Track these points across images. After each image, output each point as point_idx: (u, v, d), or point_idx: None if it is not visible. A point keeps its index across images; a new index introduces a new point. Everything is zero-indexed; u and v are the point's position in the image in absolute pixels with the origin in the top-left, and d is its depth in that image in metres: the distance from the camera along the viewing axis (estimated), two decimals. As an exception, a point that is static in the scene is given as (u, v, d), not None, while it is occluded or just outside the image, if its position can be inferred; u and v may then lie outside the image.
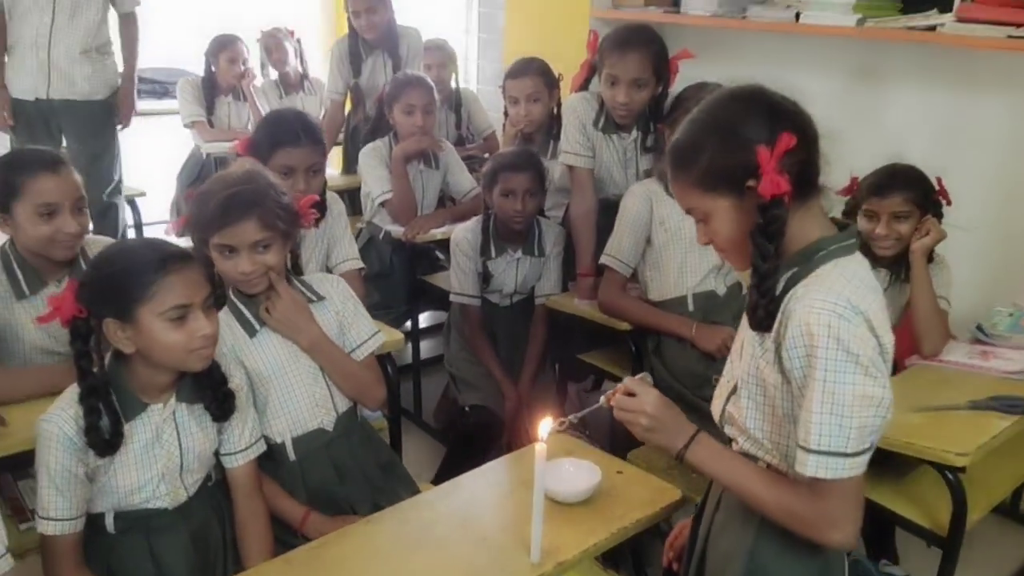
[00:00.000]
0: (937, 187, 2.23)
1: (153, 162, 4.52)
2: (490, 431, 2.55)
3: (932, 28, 2.77)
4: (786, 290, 1.18)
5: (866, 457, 1.15)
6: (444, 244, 3.00)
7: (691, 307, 2.31)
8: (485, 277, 2.68)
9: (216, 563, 1.65)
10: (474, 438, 2.57)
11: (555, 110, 3.03)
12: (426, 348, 3.60)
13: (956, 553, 1.80)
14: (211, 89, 4.26)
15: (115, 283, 1.46)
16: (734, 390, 1.30)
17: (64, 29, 3.42)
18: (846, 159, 2.30)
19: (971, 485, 1.82)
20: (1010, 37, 2.57)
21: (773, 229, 1.16)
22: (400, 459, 2.19)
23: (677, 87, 2.44)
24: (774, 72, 1.28)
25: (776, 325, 1.18)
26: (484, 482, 1.61)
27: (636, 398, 1.31)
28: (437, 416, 3.24)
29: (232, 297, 1.78)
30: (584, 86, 2.65)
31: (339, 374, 1.84)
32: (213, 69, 4.24)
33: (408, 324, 3.31)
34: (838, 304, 1.12)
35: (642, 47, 2.39)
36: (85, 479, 1.49)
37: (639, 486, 1.59)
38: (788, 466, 1.22)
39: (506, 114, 3.14)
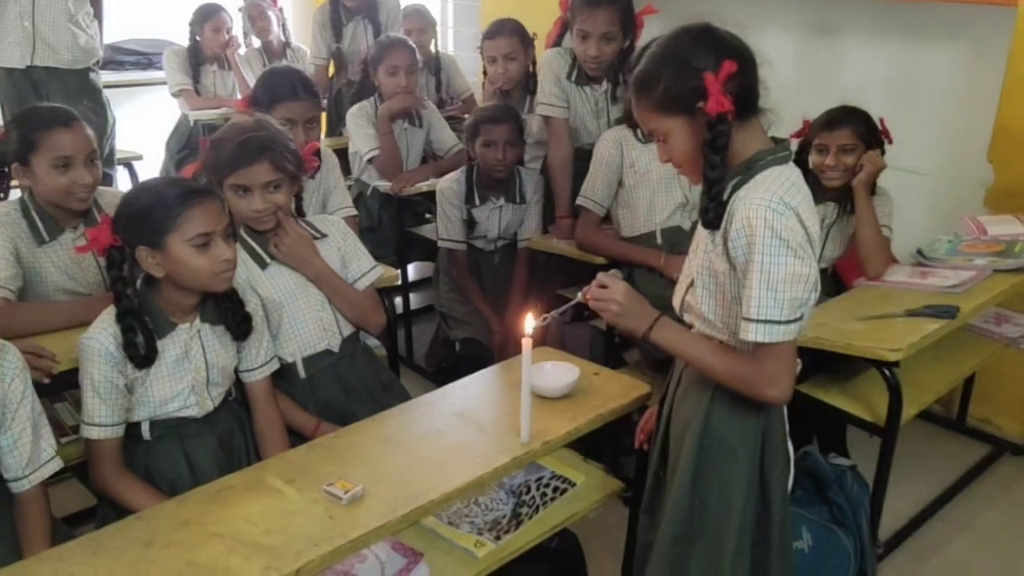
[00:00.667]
0: (880, 127, 2.45)
1: (142, 131, 4.65)
2: (479, 362, 2.75)
3: (880, -18, 2.98)
4: (731, 194, 1.41)
5: (797, 326, 1.38)
6: (429, 197, 3.20)
7: (659, 241, 2.53)
8: (470, 224, 2.88)
9: (240, 465, 1.85)
10: (465, 369, 2.78)
11: (531, 67, 3.21)
12: (416, 299, 3.81)
13: (893, 441, 2.04)
14: (196, 58, 4.38)
15: (146, 215, 1.65)
16: (691, 284, 1.52)
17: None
18: (804, 109, 2.52)
19: (910, 385, 2.07)
20: (952, -11, 2.79)
21: (719, 142, 1.38)
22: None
23: (641, 41, 2.64)
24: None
25: (723, 223, 1.41)
26: (478, 385, 1.83)
27: (608, 289, 1.53)
28: (428, 359, 3.44)
29: (243, 234, 1.97)
30: (557, 42, 2.84)
31: (343, 302, 2.05)
32: (198, 39, 4.36)
33: (398, 276, 3.51)
34: (772, 201, 1.34)
35: (610, 3, 2.59)
36: (124, 390, 1.69)
37: (613, 383, 1.81)
38: (736, 341, 1.45)
39: (485, 73, 3.32)
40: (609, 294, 1.52)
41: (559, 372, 1.77)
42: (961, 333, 2.46)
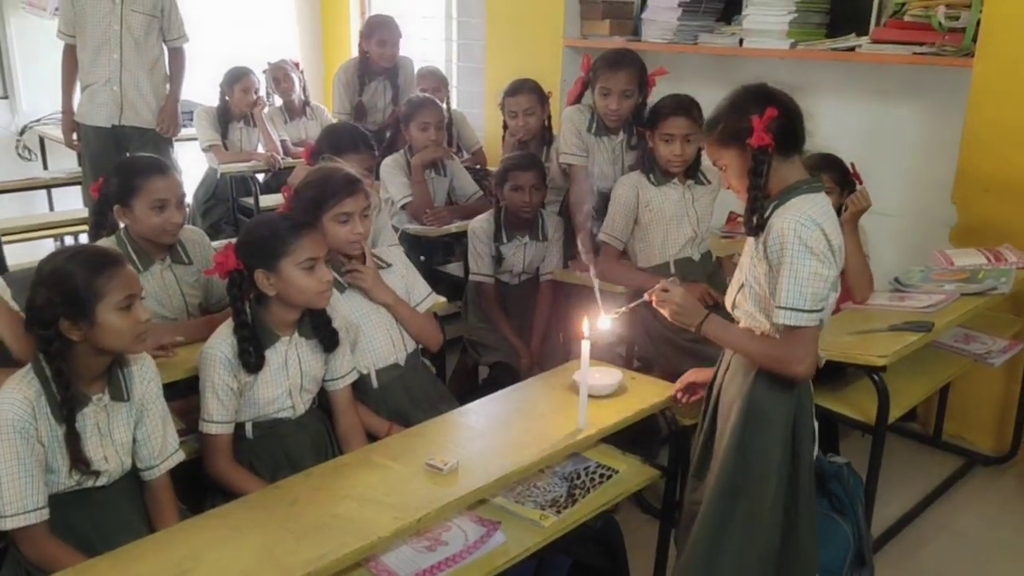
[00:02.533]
0: (852, 171, 2.84)
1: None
2: (507, 384, 3.07)
3: (852, 48, 3.43)
4: (772, 212, 1.81)
5: (817, 316, 1.76)
6: (454, 237, 3.54)
7: (672, 271, 2.89)
8: (498, 260, 3.22)
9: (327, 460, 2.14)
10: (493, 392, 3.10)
11: (546, 122, 3.60)
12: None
13: (883, 437, 2.38)
14: (225, 116, 4.74)
15: (264, 242, 1.97)
16: (741, 286, 1.90)
17: (131, 64, 3.98)
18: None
19: (894, 392, 2.41)
20: (915, 54, 3.23)
21: (760, 169, 1.78)
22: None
23: (652, 98, 3.04)
24: (722, 90, 1.89)
25: (764, 234, 1.80)
26: (531, 389, 2.15)
27: (668, 292, 1.93)
28: (452, 387, 3.74)
29: None
30: (578, 99, 3.23)
31: (410, 324, 2.39)
32: (227, 98, 4.73)
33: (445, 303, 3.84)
34: (802, 218, 1.74)
35: (629, 65, 3.00)
36: (236, 392, 1.99)
37: (649, 385, 2.15)
38: (773, 331, 1.82)
39: (505, 126, 3.70)
40: (670, 296, 1.93)
41: (604, 375, 2.09)
42: (934, 351, 2.83)
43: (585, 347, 1.87)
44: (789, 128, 1.80)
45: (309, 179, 2.31)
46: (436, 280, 3.78)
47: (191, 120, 4.81)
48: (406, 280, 2.43)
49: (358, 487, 1.65)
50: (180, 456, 1.91)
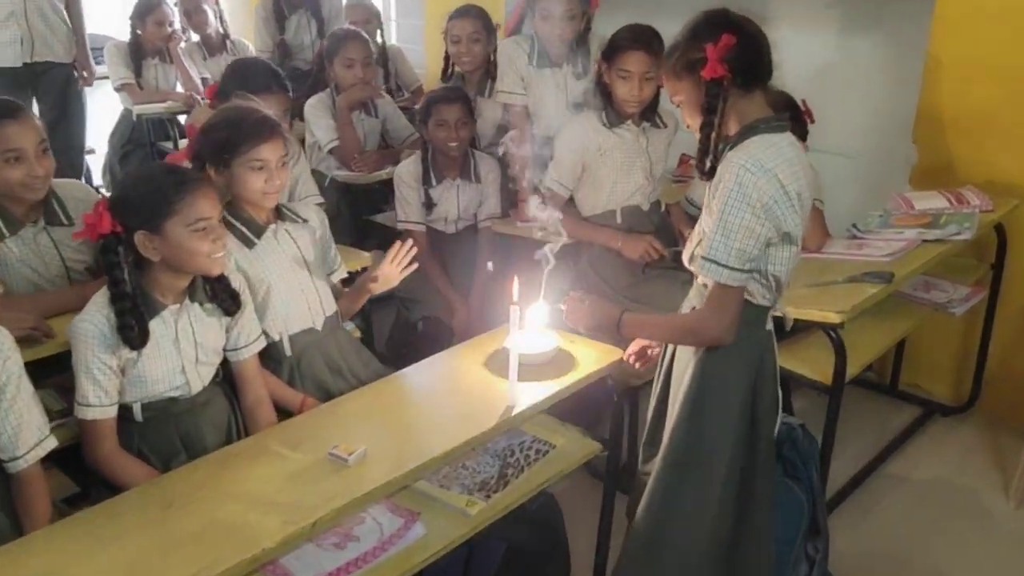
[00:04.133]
0: (803, 108, 2.62)
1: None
2: (440, 341, 2.85)
3: (811, -25, 3.18)
4: (725, 154, 1.60)
5: (740, 275, 1.57)
6: (387, 185, 3.26)
7: (619, 219, 2.66)
8: (428, 205, 2.96)
9: (231, 442, 1.90)
10: (425, 348, 2.87)
11: (492, 55, 3.29)
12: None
13: (839, 397, 2.22)
14: (137, 52, 4.36)
15: (145, 200, 1.70)
16: (700, 240, 1.68)
17: None
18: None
19: (851, 347, 2.24)
20: (876, -19, 3.00)
21: (712, 104, 1.58)
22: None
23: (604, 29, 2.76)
24: (680, 20, 1.67)
25: (716, 180, 1.61)
26: (458, 357, 1.92)
27: (580, 302, 1.81)
28: (388, 346, 3.52)
29: (227, 216, 2.01)
30: (517, 29, 2.95)
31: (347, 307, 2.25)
32: (139, 32, 4.34)
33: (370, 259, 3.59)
34: (748, 162, 1.54)
35: None
36: (117, 370, 1.74)
37: (589, 348, 1.93)
38: None
39: (447, 58, 3.39)
40: (580, 308, 1.81)
41: (539, 340, 1.88)
42: (893, 300, 2.67)
43: (515, 313, 1.65)
44: (749, 59, 1.59)
45: (219, 117, 2.03)
46: (367, 231, 3.53)
47: (102, 57, 4.43)
48: (322, 241, 2.17)
49: (248, 483, 1.43)
50: (51, 443, 1.66)
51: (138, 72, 4.38)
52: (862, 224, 2.74)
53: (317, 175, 3.47)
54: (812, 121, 2.62)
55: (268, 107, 2.41)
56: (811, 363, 2.31)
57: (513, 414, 1.66)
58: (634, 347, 1.97)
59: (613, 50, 2.49)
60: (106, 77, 4.42)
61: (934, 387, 3.27)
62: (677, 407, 1.71)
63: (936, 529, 2.56)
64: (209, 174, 1.94)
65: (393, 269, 2.15)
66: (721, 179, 1.57)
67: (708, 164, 1.62)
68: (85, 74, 3.95)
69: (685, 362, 1.72)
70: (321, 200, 2.73)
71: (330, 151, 3.38)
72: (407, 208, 2.99)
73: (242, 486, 1.42)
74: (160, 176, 1.75)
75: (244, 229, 2.01)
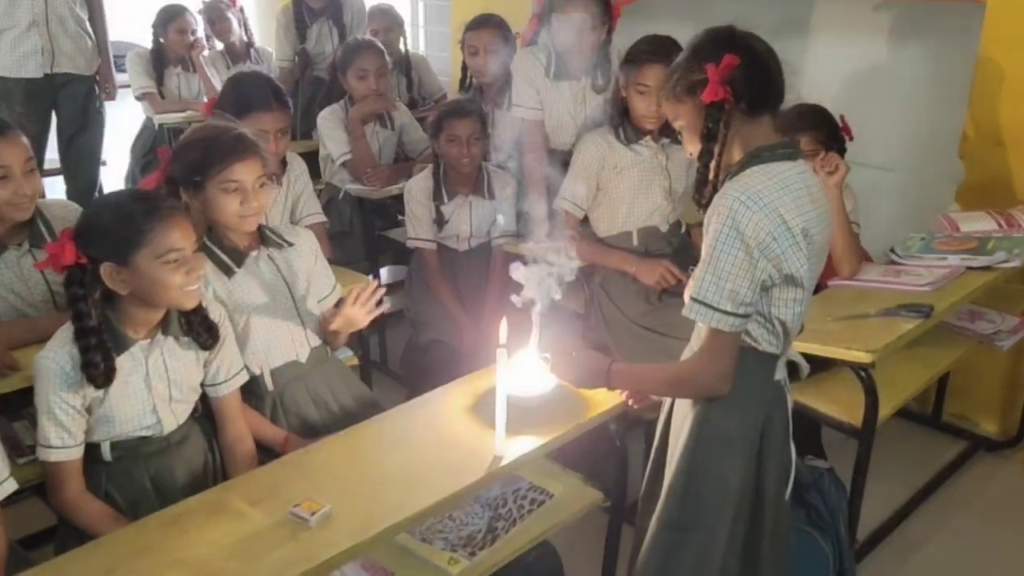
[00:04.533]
0: (841, 124, 2.44)
1: (106, 135, 4.56)
2: (449, 366, 2.72)
3: (850, -20, 2.98)
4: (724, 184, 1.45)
5: (734, 320, 1.41)
6: (401, 199, 3.14)
7: (635, 241, 2.50)
8: (440, 222, 2.83)
9: (207, 484, 1.79)
10: (433, 373, 2.74)
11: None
12: (389, 304, 3.73)
13: (870, 442, 2.03)
14: (160, 61, 4.31)
15: (112, 230, 1.59)
16: None
17: (55, 2, 3.51)
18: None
19: (885, 385, 2.05)
20: (921, -13, 2.80)
21: (712, 129, 1.43)
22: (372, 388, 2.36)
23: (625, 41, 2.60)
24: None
25: (708, 212, 1.46)
26: (451, 395, 1.78)
27: (561, 361, 1.66)
28: (403, 365, 3.40)
29: (207, 242, 1.91)
30: (533, 40, 2.80)
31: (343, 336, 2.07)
32: (161, 40, 4.29)
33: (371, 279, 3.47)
34: (743, 195, 1.38)
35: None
36: (82, 410, 1.63)
37: (590, 391, 1.77)
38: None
39: (464, 69, 3.26)
40: (568, 363, 1.66)
41: (533, 380, 1.73)
42: (935, 330, 2.46)
43: (502, 357, 1.50)
44: (755, 80, 1.44)
45: (192, 137, 1.92)
46: (381, 246, 3.42)
47: (124, 64, 4.38)
48: (309, 267, 2.04)
49: (198, 545, 1.31)
50: (10, 486, 1.54)
51: (160, 81, 4.32)
52: (901, 248, 2.53)
53: (331, 188, 3.39)
54: (851, 138, 2.44)
55: (267, 125, 2.33)
56: (840, 403, 2.12)
57: (500, 466, 1.51)
58: None
59: (631, 63, 2.33)
60: (128, 86, 4.38)
61: (980, 420, 3.04)
62: (674, 463, 1.55)
63: (979, 581, 2.36)
64: (184, 199, 1.84)
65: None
66: (715, 212, 1.41)
67: (707, 195, 1.47)
68: (107, 88, 3.90)
69: (684, 414, 1.56)
70: (323, 219, 2.62)
71: (342, 164, 3.27)
72: (417, 225, 2.86)
73: (190, 550, 1.29)
74: (128, 203, 1.64)
75: (224, 256, 1.90)
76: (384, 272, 3.78)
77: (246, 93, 2.37)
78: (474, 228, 2.89)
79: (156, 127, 4.24)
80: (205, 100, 4.32)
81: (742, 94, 1.41)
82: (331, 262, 2.65)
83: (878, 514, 2.53)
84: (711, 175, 1.47)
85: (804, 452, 2.28)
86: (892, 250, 2.53)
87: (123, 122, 4.64)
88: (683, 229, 2.62)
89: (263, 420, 1.93)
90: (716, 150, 1.44)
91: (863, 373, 1.95)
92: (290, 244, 2.01)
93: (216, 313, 1.80)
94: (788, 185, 1.42)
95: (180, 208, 1.68)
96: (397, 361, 3.42)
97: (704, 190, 1.48)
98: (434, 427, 1.64)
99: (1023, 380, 2.88)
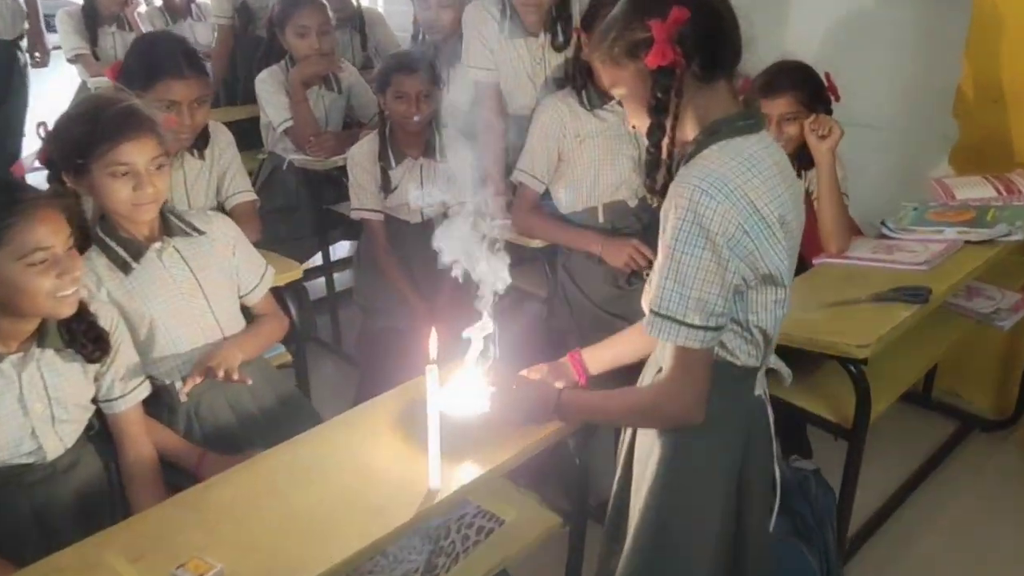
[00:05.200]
0: (826, 83, 2.19)
1: (39, 102, 4.22)
2: (404, 355, 2.48)
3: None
4: (679, 167, 1.20)
5: (704, 334, 1.17)
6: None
7: (601, 218, 2.25)
8: (387, 188, 2.56)
9: (104, 517, 1.55)
10: (387, 364, 2.50)
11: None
12: (344, 280, 3.49)
13: (861, 444, 1.82)
14: (93, 19, 3.96)
15: None
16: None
17: None
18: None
19: (876, 377, 1.83)
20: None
21: (662, 100, 1.18)
22: (308, 393, 2.12)
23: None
24: None
25: (664, 204, 1.21)
26: (383, 410, 1.54)
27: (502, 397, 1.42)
28: (359, 347, 3.15)
29: (100, 234, 1.65)
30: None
31: (260, 350, 1.83)
32: (93, -3, 3.94)
33: (319, 257, 3.22)
34: (704, 181, 1.14)
35: None
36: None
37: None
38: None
39: (415, 22, 2.97)
40: (510, 398, 1.43)
41: (474, 394, 1.49)
42: (930, 310, 2.25)
43: (431, 375, 1.26)
44: (709, 38, 1.19)
45: (73, 112, 1.65)
46: (329, 222, 3.15)
47: (55, 25, 4.03)
48: (229, 262, 1.78)
49: (59, 622, 1.07)
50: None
51: (94, 41, 3.98)
52: (893, 219, 2.30)
53: (273, 158, 3.11)
54: (837, 99, 2.19)
55: (179, 95, 2.05)
56: (827, 399, 1.91)
57: (435, 503, 1.28)
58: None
59: (591, 18, 2.06)
60: (59, 47, 4.04)
61: (973, 397, 2.85)
62: (641, 500, 1.32)
63: (977, 574, 2.17)
64: (67, 184, 1.57)
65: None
66: (671, 204, 1.17)
67: (660, 181, 1.23)
68: (37, 54, 3.55)
69: (649, 444, 1.33)
70: (253, 198, 2.34)
71: (284, 132, 2.98)
72: (362, 194, 2.58)
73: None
74: None
75: (119, 250, 1.64)
76: (340, 249, 3.53)
77: (154, 58, 2.07)
78: (425, 195, 2.62)
79: (93, 91, 3.92)
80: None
81: (693, 55, 1.17)
82: (277, 240, 2.40)
83: (867, 505, 2.32)
84: (663, 155, 1.22)
85: (787, 448, 2.08)
86: (883, 223, 2.30)
87: (61, 87, 4.29)
88: (654, 204, 2.36)
89: (174, 436, 1.69)
90: (668, 124, 1.19)
91: (854, 369, 1.73)
92: (200, 232, 1.75)
93: (107, 319, 1.55)
94: (755, 164, 1.18)
95: (48, 198, 1.41)
96: (351, 342, 3.18)
97: (656, 175, 1.23)
98: (357, 453, 1.40)
99: (1020, 355, 2.69)
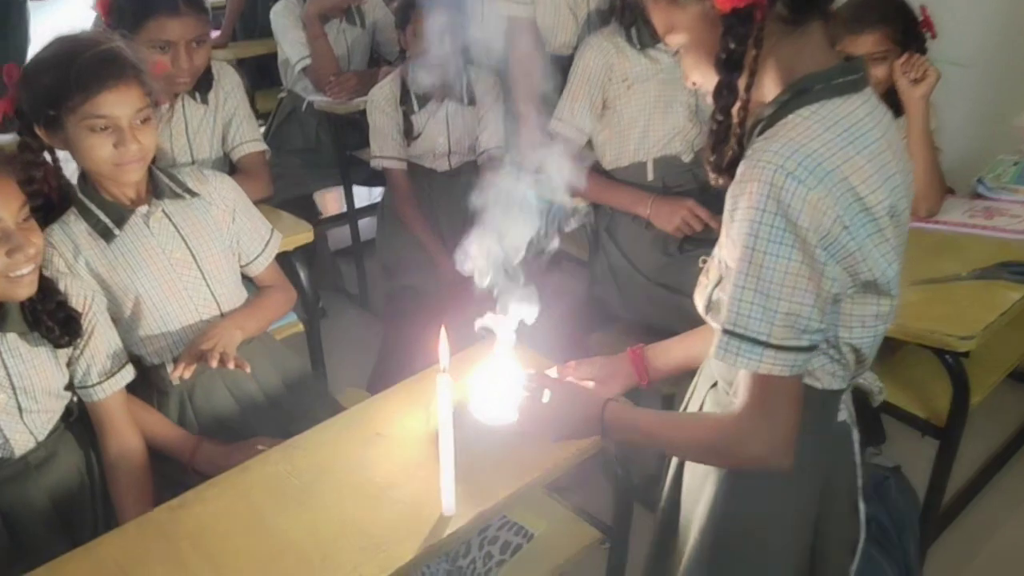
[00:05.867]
0: (922, 17, 1.87)
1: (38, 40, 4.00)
2: (427, 319, 2.26)
3: None
4: (755, 137, 0.93)
5: (797, 358, 0.91)
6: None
7: (650, 175, 1.97)
8: (409, 134, 2.32)
9: (84, 518, 1.38)
10: (408, 328, 2.30)
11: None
12: (367, 229, 3.27)
13: (956, 446, 1.57)
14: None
15: None
16: (721, 278, 1.03)
17: None
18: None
19: (972, 363, 1.56)
20: None
21: (735, 52, 0.90)
22: (322, 368, 1.92)
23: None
24: None
25: (734, 187, 0.93)
26: (396, 405, 1.32)
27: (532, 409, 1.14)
28: (384, 317, 2.95)
29: (80, 196, 1.44)
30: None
31: (262, 327, 1.62)
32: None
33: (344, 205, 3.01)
34: (790, 159, 0.87)
35: None
36: None
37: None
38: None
39: None
40: (540, 410, 1.14)
41: (509, 395, 1.25)
42: None
43: (443, 385, 1.03)
44: None
45: (43, 55, 1.42)
46: (353, 169, 2.92)
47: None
48: (228, 228, 1.57)
49: None
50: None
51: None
52: (991, 176, 2.00)
53: (292, 98, 2.88)
54: (933, 36, 1.87)
55: (174, 34, 1.81)
56: (914, 390, 1.65)
57: (448, 533, 1.06)
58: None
59: None
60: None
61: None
62: (690, 545, 1.09)
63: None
64: (42, 139, 1.36)
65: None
66: (744, 190, 0.89)
67: (728, 156, 0.95)
68: None
69: (703, 476, 1.09)
70: (262, 148, 2.11)
71: (302, 70, 2.73)
72: (383, 141, 2.35)
73: None
74: None
75: (100, 214, 1.43)
76: (365, 195, 3.30)
77: None
78: (453, 142, 2.37)
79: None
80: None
81: None
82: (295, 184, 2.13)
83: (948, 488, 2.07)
84: (735, 124, 0.94)
85: (863, 444, 1.84)
86: (979, 180, 1.99)
87: (68, 21, 4.06)
88: (718, 184, 2.07)
89: (166, 423, 1.50)
90: (742, 84, 0.92)
91: (951, 360, 1.47)
92: (194, 195, 1.53)
93: (80, 296, 1.34)
94: (859, 136, 0.90)
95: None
96: (379, 296, 2.97)
97: (723, 150, 0.96)
98: (365, 462, 1.19)
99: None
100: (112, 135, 1.36)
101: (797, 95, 0.92)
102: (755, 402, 0.93)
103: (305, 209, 3.11)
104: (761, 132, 0.93)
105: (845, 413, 1.06)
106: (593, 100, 1.95)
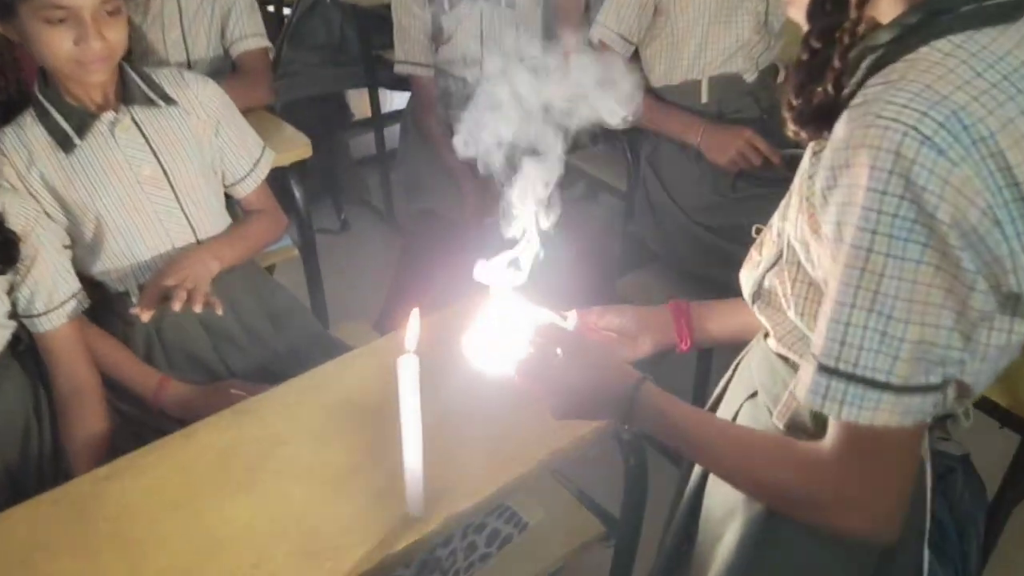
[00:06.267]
0: None
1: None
2: (445, 248, 2.06)
3: None
4: (861, 84, 0.66)
5: (924, 401, 0.65)
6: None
7: (705, 97, 1.70)
8: (438, 38, 2.06)
9: (30, 458, 1.24)
10: (426, 254, 2.10)
11: None
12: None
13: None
14: None
15: None
16: (778, 258, 0.78)
17: None
18: None
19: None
20: None
21: None
22: (321, 299, 1.74)
23: None
24: None
25: (832, 146, 0.66)
26: (373, 367, 1.12)
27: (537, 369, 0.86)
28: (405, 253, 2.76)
29: (39, 96, 1.24)
30: None
31: (243, 258, 1.42)
32: None
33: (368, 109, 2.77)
34: (927, 116, 0.59)
35: None
36: None
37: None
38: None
39: None
40: (548, 369, 0.85)
41: (515, 335, 1.00)
42: None
43: (406, 370, 0.82)
44: None
45: None
46: (380, 70, 2.67)
47: None
48: (215, 140, 1.36)
49: None
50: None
51: None
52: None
53: (315, -14, 2.61)
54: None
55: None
56: (999, 380, 1.39)
57: (413, 541, 0.88)
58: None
59: None
60: None
61: None
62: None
63: None
64: None
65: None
66: (851, 159, 0.63)
67: (818, 111, 0.68)
68: None
69: (732, 499, 0.87)
70: (264, 44, 1.88)
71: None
72: (407, 43, 2.10)
73: None
74: None
75: (60, 119, 1.23)
76: (390, 97, 3.06)
77: None
78: (487, 45, 2.11)
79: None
80: None
81: None
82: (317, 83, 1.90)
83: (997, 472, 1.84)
84: (836, 63, 0.67)
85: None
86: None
87: None
88: (779, 79, 1.78)
89: (129, 357, 1.34)
90: (852, 6, 0.65)
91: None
92: (171, 102, 1.31)
93: (20, 216, 1.16)
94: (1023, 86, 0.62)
95: None
96: (405, 212, 2.77)
97: (811, 92, 0.69)
98: (321, 440, 1.00)
99: None
100: (72, 28, 1.15)
101: (931, 16, 0.64)
102: (862, 458, 0.69)
103: (333, 111, 2.90)
104: (875, 70, 0.66)
105: (924, 444, 0.83)
106: (643, 5, 1.67)
